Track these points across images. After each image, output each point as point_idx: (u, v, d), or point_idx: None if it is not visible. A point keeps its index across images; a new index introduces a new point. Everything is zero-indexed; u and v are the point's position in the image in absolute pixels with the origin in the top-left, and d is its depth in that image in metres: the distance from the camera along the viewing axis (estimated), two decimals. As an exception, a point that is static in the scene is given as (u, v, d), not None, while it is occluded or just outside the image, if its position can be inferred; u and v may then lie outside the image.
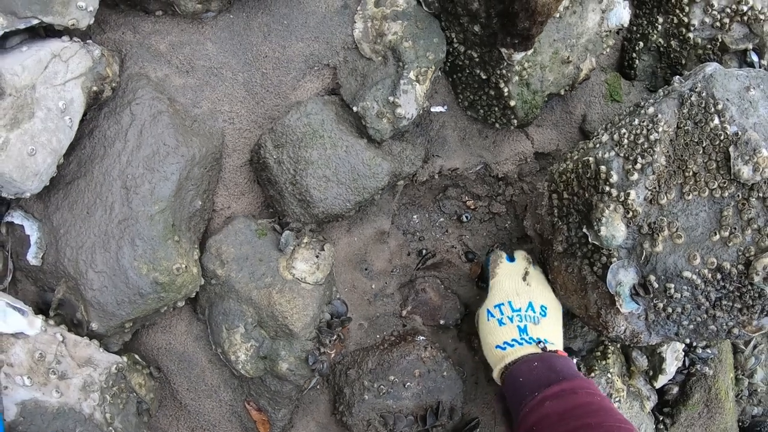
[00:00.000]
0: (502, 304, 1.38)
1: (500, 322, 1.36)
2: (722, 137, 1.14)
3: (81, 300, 1.25)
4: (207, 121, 1.39)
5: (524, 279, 1.41)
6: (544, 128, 1.60)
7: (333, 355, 1.45)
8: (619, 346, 1.57)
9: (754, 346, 1.76)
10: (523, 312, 1.37)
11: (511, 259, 1.47)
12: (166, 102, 1.31)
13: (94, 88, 1.25)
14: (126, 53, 1.35)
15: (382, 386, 1.46)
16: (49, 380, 1.17)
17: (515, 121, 1.48)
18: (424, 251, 1.66)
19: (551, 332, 1.37)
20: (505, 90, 1.41)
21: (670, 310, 1.22)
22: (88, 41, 1.26)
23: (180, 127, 1.31)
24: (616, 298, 1.25)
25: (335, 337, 1.40)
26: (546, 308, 1.39)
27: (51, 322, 1.22)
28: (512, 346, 1.33)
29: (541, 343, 1.32)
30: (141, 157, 1.27)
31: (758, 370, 1.74)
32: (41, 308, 1.31)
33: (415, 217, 1.66)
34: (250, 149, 1.44)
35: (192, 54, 1.38)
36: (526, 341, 1.33)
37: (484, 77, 1.43)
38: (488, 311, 1.39)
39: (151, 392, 1.35)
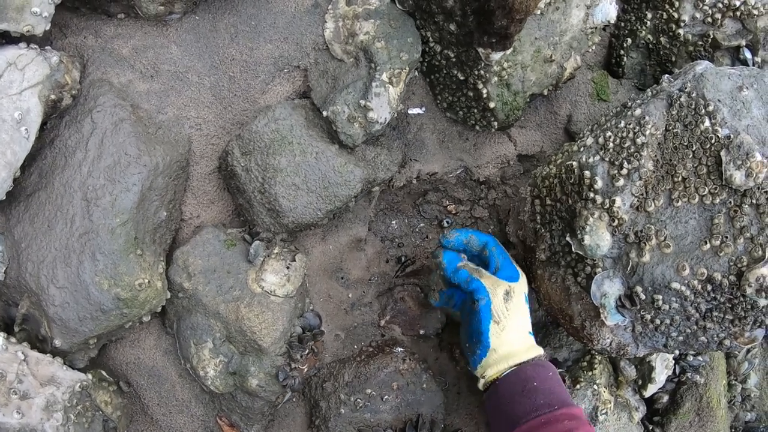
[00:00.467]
0: (528, 294, 1.35)
1: (530, 310, 1.33)
2: (713, 140, 1.08)
3: (44, 316, 1.22)
4: (172, 127, 1.34)
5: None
6: (528, 129, 1.54)
7: (306, 370, 1.40)
8: (606, 356, 1.52)
9: (748, 351, 1.70)
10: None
11: None
12: (128, 109, 1.27)
13: (53, 97, 1.21)
14: (88, 58, 1.31)
15: (359, 400, 1.42)
16: (10, 401, 1.14)
17: (495, 123, 1.42)
18: (403, 258, 1.61)
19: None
20: (484, 91, 1.35)
21: (658, 321, 1.17)
22: (46, 48, 1.22)
23: (143, 135, 1.26)
24: (600, 310, 1.20)
25: (307, 351, 1.36)
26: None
27: (13, 339, 1.19)
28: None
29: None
30: (102, 167, 1.23)
31: (751, 374, 1.69)
32: (7, 323, 1.28)
33: (393, 222, 1.61)
34: (218, 156, 1.39)
35: (156, 58, 1.33)
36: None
37: (461, 78, 1.37)
38: (525, 294, 1.32)
39: (118, 410, 1.31)
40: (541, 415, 1.15)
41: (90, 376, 1.25)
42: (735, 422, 1.72)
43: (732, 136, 1.07)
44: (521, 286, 1.32)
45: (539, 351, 1.28)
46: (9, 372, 1.14)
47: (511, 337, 1.27)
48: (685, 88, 1.14)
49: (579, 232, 1.18)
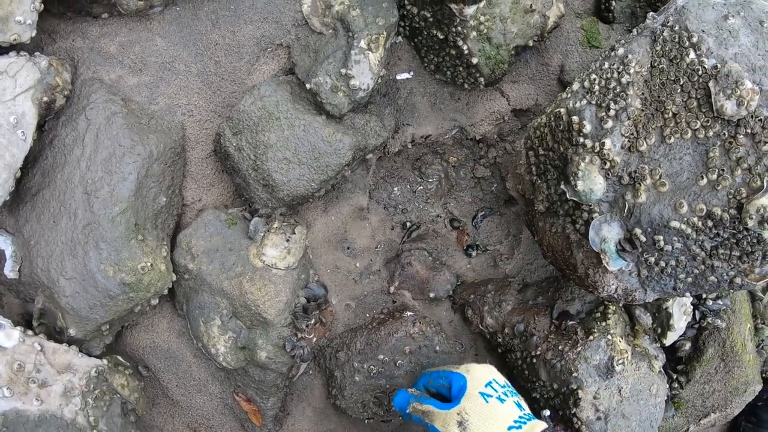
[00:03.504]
0: (490, 382, 1.19)
1: (501, 400, 1.17)
2: (700, 72, 1.05)
3: (58, 308, 1.27)
4: (165, 116, 1.38)
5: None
6: (520, 84, 1.52)
7: (315, 340, 1.42)
8: (621, 305, 1.49)
9: (773, 292, 1.65)
10: (508, 388, 1.21)
11: None
12: (119, 103, 1.31)
13: (45, 99, 1.26)
14: (78, 59, 1.35)
15: (372, 366, 1.43)
16: (29, 389, 1.18)
17: (482, 80, 1.41)
18: (408, 224, 1.61)
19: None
20: (464, 47, 1.34)
21: (663, 263, 1.14)
22: (35, 54, 1.27)
23: (135, 126, 1.30)
24: (602, 256, 1.18)
25: (313, 321, 1.38)
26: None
27: (30, 332, 1.24)
28: (519, 427, 1.14)
29: (543, 418, 1.19)
30: (99, 160, 1.27)
31: (779, 317, 1.63)
32: (27, 319, 1.34)
33: (395, 189, 1.61)
34: (212, 139, 1.42)
35: (143, 52, 1.37)
36: (528, 418, 1.16)
37: (441, 37, 1.37)
38: (483, 394, 1.17)
39: (135, 392, 1.35)
40: None
41: (106, 362, 1.29)
42: (765, 367, 1.66)
43: (719, 65, 1.03)
44: (471, 397, 1.17)
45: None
46: (27, 362, 1.19)
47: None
48: (668, 22, 1.11)
49: (572, 178, 1.17)
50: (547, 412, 1.29)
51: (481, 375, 1.20)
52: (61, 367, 1.23)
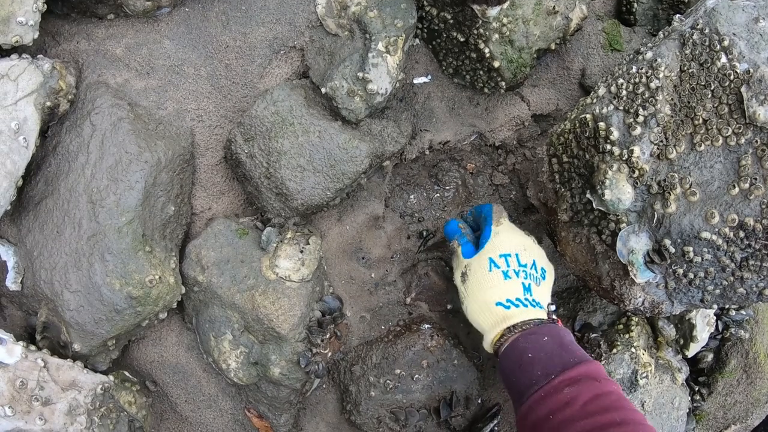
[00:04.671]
0: (509, 255, 1.23)
1: (506, 275, 1.21)
2: (732, 77, 1.02)
3: (62, 321, 1.22)
4: (173, 122, 1.33)
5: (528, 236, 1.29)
6: (540, 88, 1.47)
7: (330, 354, 1.37)
8: (644, 316, 1.45)
9: (797, 301, 1.62)
10: (528, 269, 1.23)
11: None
12: (126, 108, 1.26)
13: (48, 104, 1.21)
14: (83, 62, 1.30)
15: (388, 381, 1.39)
16: (32, 408, 1.14)
17: (503, 84, 1.37)
18: (424, 232, 1.56)
19: (547, 296, 1.25)
20: (486, 50, 1.30)
21: (691, 275, 1.10)
22: (38, 56, 1.22)
23: (143, 132, 1.25)
24: (629, 268, 1.14)
25: (328, 335, 1.33)
26: (545, 271, 1.27)
27: (33, 347, 1.19)
28: (517, 306, 1.18)
29: (546, 308, 1.21)
30: (104, 168, 1.22)
31: (803, 326, 1.60)
32: (30, 333, 1.30)
33: (411, 197, 1.56)
34: (223, 146, 1.37)
35: (150, 54, 1.32)
36: (530, 303, 1.19)
37: (462, 40, 1.32)
38: (491, 260, 1.23)
39: (143, 409, 1.30)
40: (539, 389, 1.06)
41: (112, 378, 1.25)
42: (788, 376, 1.64)
43: (752, 70, 0.99)
44: (480, 259, 1.24)
45: (522, 317, 1.18)
46: (30, 380, 1.15)
47: (475, 317, 1.23)
48: (697, 25, 1.07)
49: (599, 187, 1.13)
50: (552, 307, 1.26)
51: (502, 243, 1.24)
52: (66, 384, 1.19)
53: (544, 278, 1.26)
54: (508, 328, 1.18)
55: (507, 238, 1.26)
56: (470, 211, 1.40)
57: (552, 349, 1.11)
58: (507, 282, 1.21)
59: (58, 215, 1.22)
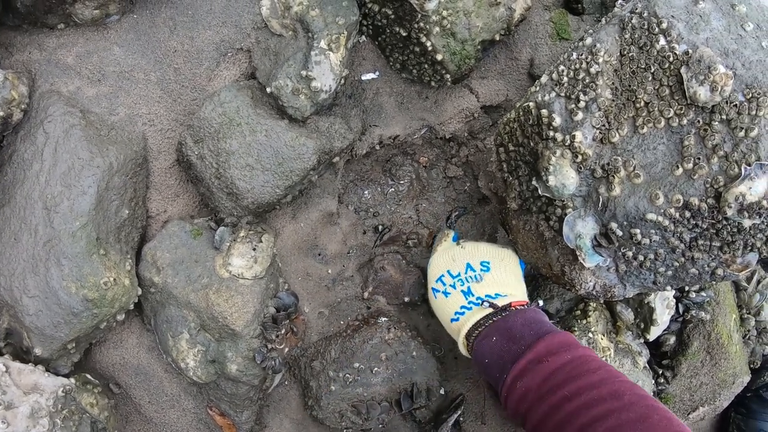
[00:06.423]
0: (442, 275, 1.31)
1: (446, 294, 1.29)
2: (671, 59, 1.02)
3: (23, 327, 1.24)
4: (125, 127, 1.35)
5: (458, 245, 1.32)
6: (489, 79, 1.48)
7: (287, 350, 1.38)
8: (602, 302, 1.45)
9: (758, 281, 1.60)
10: (462, 275, 1.29)
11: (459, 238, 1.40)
12: (78, 115, 1.28)
13: (2, 114, 1.24)
14: (35, 72, 1.32)
15: (348, 375, 1.40)
16: (-6, 412, 1.16)
17: (448, 76, 1.38)
18: (380, 227, 1.57)
19: (502, 283, 1.27)
20: (428, 44, 1.31)
21: (641, 258, 1.11)
22: (-11, 69, 1.24)
23: (94, 138, 1.27)
24: (577, 253, 1.14)
25: (284, 331, 1.34)
26: (488, 262, 1.30)
27: (-1, 353, 1.21)
28: (462, 313, 1.25)
29: (487, 301, 1.22)
30: (58, 174, 1.24)
31: (765, 306, 1.58)
32: (-4, 339, 1.31)
33: (366, 192, 1.57)
34: (175, 149, 1.39)
35: (101, 61, 1.34)
36: (474, 303, 1.24)
37: (404, 34, 1.33)
38: (433, 289, 1.33)
39: (105, 410, 1.32)
40: (501, 390, 1.10)
41: (73, 381, 1.26)
42: (752, 357, 1.63)
43: (690, 51, 1.00)
44: (428, 292, 1.35)
45: (471, 321, 1.21)
46: (-8, 384, 1.16)
47: (450, 336, 1.30)
48: (636, 9, 1.08)
49: (543, 173, 1.14)
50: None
51: (433, 270, 1.36)
52: (28, 387, 1.20)
53: (487, 270, 1.29)
54: (467, 335, 1.22)
55: (436, 263, 1.36)
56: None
57: (500, 347, 1.13)
58: (449, 299, 1.28)
59: (15, 222, 1.24)
